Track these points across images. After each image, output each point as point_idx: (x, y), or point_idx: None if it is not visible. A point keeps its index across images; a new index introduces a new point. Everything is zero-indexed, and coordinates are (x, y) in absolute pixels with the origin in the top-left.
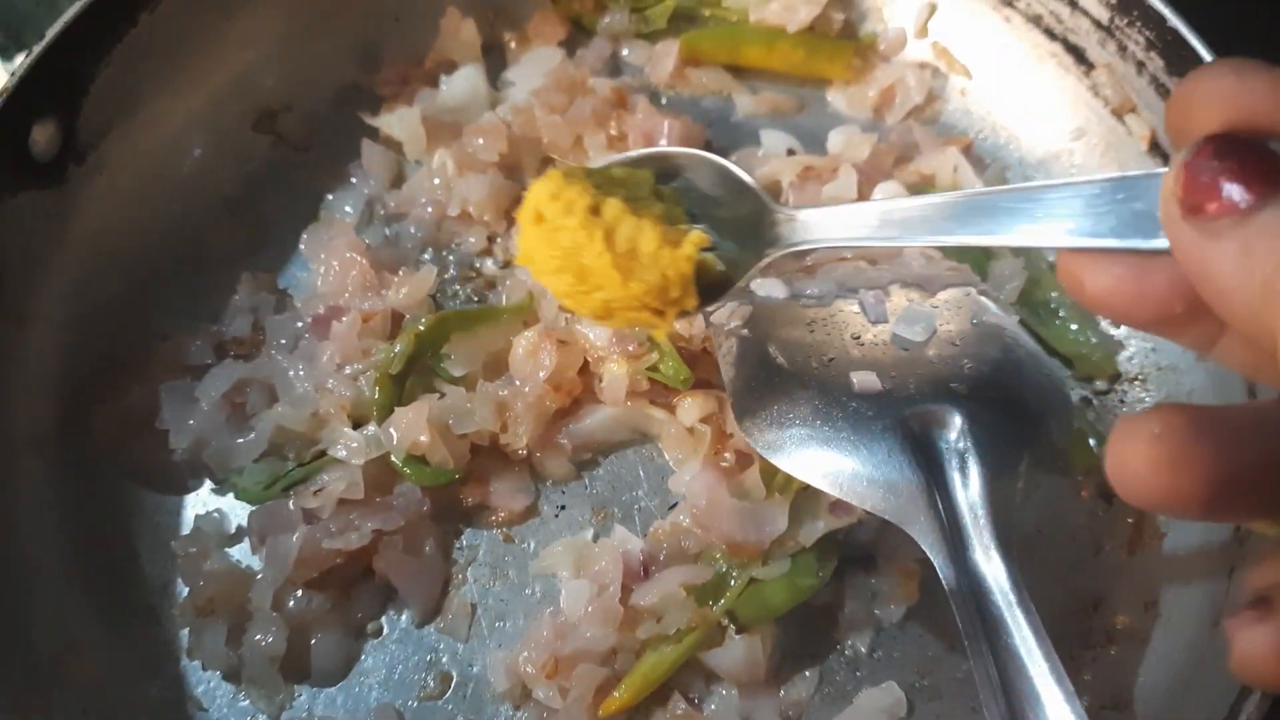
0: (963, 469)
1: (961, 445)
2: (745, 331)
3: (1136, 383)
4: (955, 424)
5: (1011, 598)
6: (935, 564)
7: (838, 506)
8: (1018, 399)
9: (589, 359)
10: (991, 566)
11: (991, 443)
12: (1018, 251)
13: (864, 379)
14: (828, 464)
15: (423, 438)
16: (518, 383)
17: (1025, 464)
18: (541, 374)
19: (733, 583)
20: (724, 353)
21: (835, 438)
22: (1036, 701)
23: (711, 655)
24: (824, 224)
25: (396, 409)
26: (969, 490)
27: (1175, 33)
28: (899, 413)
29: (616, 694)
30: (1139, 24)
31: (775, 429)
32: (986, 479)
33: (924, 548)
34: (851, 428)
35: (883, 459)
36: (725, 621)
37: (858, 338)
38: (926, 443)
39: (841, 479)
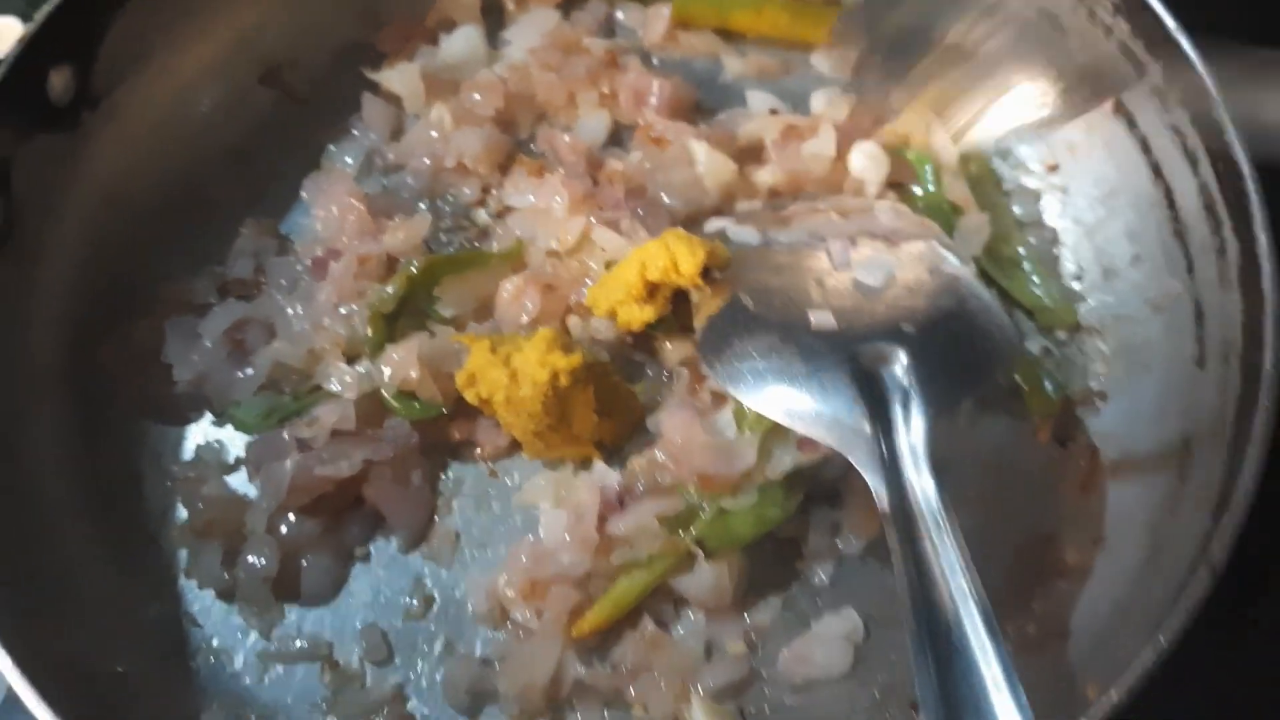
0: (905, 402)
1: (906, 381)
2: (718, 275)
3: (1094, 334)
4: (901, 360)
5: (941, 519)
6: (870, 485)
7: (805, 443)
8: (965, 341)
9: (572, 304)
10: (922, 481)
11: (934, 379)
12: (984, 206)
13: (820, 317)
14: (780, 395)
15: (413, 374)
16: (503, 326)
17: (967, 401)
18: (525, 318)
19: (703, 513)
20: (698, 297)
21: (788, 370)
22: (958, 621)
23: (681, 581)
24: None
25: (388, 347)
26: (910, 421)
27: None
28: (850, 349)
29: (589, 616)
30: None
31: (735, 361)
32: (927, 413)
33: (862, 472)
34: (804, 361)
35: (831, 391)
36: (695, 549)
37: (820, 282)
38: (874, 377)
39: (792, 409)
